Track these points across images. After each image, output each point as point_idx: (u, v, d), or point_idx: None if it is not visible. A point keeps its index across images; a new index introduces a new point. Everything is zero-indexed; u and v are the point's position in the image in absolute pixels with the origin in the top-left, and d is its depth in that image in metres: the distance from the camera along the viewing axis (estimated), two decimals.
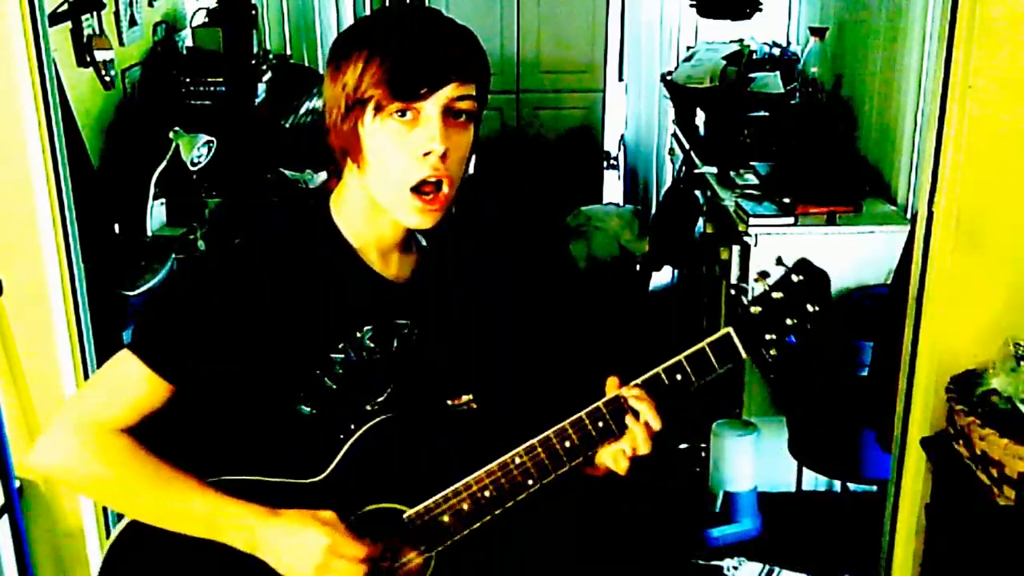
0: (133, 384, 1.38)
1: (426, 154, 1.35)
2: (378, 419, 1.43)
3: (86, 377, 2.13)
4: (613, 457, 1.44)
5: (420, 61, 1.34)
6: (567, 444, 1.42)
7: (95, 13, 3.24)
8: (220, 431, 1.46)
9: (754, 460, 3.19)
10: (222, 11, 4.07)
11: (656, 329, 4.67)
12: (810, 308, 1.45)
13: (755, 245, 3.13)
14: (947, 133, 1.93)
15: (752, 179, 3.50)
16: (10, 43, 1.89)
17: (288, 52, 4.91)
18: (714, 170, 3.69)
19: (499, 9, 6.06)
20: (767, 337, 1.47)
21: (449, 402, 1.50)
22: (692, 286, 4.30)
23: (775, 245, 3.13)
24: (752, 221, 3.13)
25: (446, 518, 1.41)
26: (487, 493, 1.40)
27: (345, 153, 1.42)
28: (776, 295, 1.45)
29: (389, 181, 1.38)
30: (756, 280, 1.45)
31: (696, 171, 3.87)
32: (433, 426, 1.48)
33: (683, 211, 4.21)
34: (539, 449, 1.41)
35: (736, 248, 3.19)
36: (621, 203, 5.92)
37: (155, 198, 3.29)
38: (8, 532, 2.10)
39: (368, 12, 5.56)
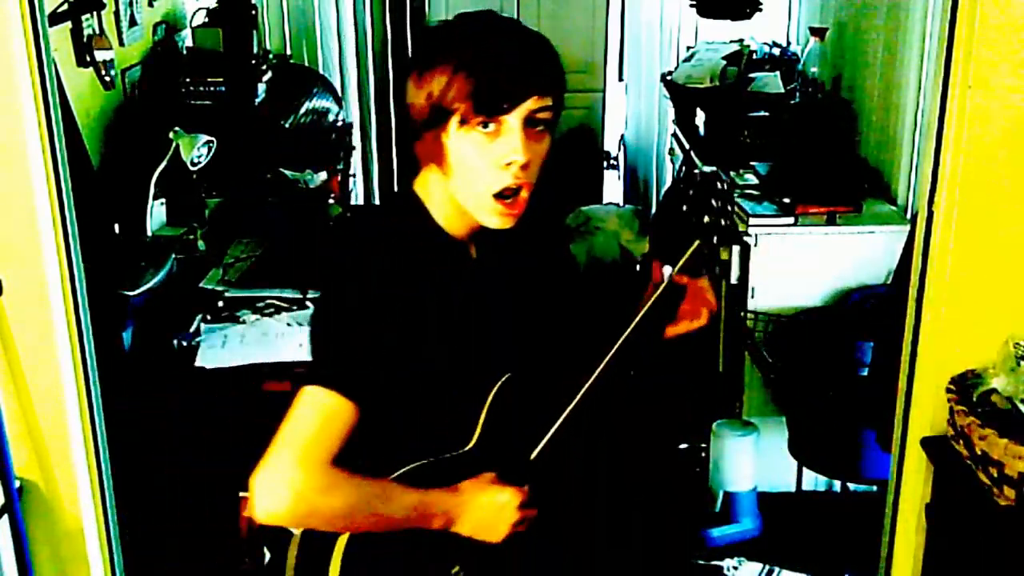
0: (333, 415, 1.43)
1: (508, 164, 1.46)
2: (500, 382, 1.58)
3: (86, 377, 2.13)
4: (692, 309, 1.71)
5: (505, 77, 1.44)
6: (636, 338, 1.64)
7: (95, 13, 3.25)
8: (374, 428, 1.52)
9: (754, 460, 3.19)
10: (222, 11, 4.07)
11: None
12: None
13: (755, 245, 3.13)
14: (947, 133, 1.93)
15: (752, 179, 3.50)
16: (10, 43, 1.89)
17: (288, 52, 4.91)
18: (714, 170, 3.69)
19: (499, 9, 6.03)
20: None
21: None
22: None
23: (775, 245, 3.13)
24: (752, 221, 3.13)
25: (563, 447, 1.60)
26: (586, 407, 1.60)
27: (429, 158, 1.52)
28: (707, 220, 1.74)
29: (473, 187, 1.50)
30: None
31: (696, 171, 3.87)
32: (523, 376, 1.63)
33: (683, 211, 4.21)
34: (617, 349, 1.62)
35: (736, 248, 3.19)
36: (621, 203, 5.91)
37: (155, 198, 3.29)
38: (8, 532, 2.10)
39: (368, 13, 5.56)
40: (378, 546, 1.54)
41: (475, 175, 1.48)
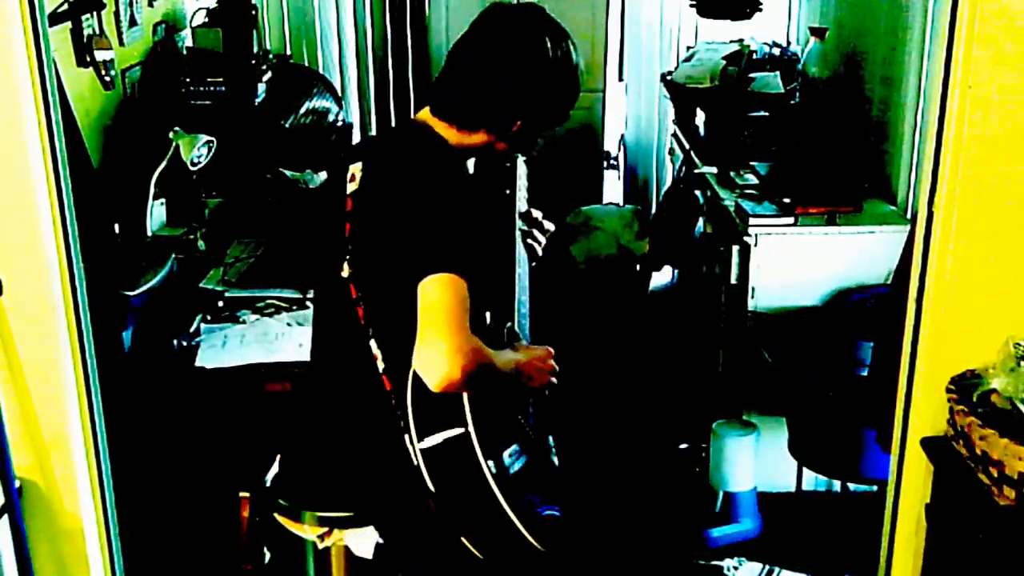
0: (463, 293, 1.73)
1: None
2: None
3: (86, 377, 2.13)
4: None
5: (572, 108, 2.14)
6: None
7: (95, 13, 3.24)
8: None
9: (754, 460, 3.19)
10: (222, 11, 4.07)
11: (656, 329, 4.67)
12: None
13: (755, 245, 3.13)
14: (947, 133, 1.93)
15: (752, 179, 3.50)
16: (10, 43, 1.89)
17: (288, 52, 4.91)
18: (714, 170, 3.69)
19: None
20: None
21: None
22: (692, 286, 4.30)
23: (775, 245, 3.14)
24: (752, 221, 3.14)
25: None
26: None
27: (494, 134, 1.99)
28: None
29: (495, 155, 2.05)
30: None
31: (696, 171, 3.87)
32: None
33: (683, 211, 4.21)
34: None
35: (736, 248, 3.19)
36: (621, 203, 5.91)
37: (155, 198, 3.29)
38: (8, 532, 2.10)
39: (368, 13, 5.55)
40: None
41: (507, 150, 2.04)
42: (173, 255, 3.22)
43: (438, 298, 1.71)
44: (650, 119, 5.63)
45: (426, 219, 1.80)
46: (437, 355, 1.68)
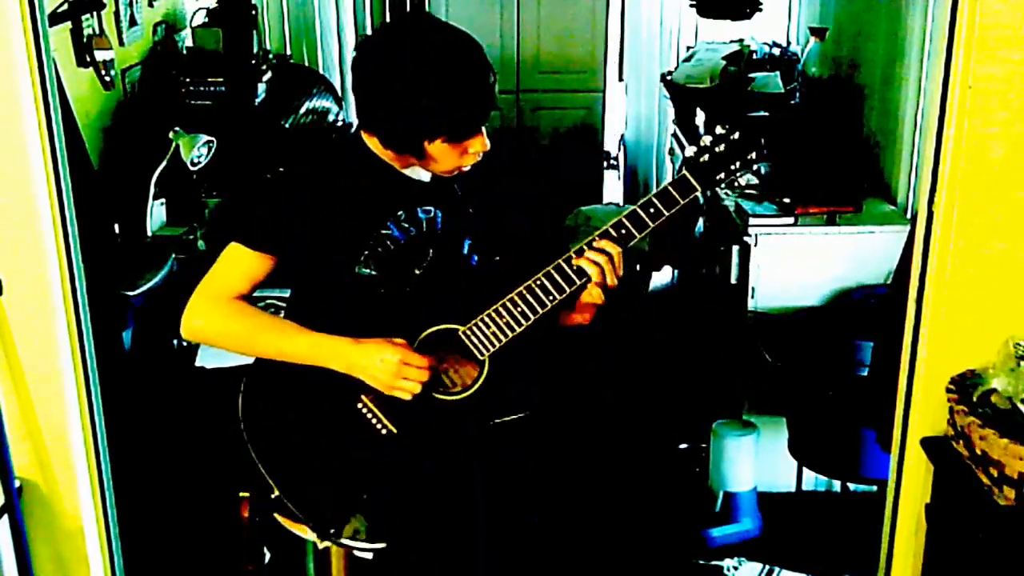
0: (242, 263, 1.89)
1: (478, 155, 1.89)
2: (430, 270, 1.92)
3: (86, 377, 2.14)
4: (589, 292, 1.94)
5: (484, 107, 1.83)
6: (572, 266, 1.93)
7: (95, 13, 3.25)
8: (314, 289, 1.99)
9: (754, 460, 3.19)
10: (222, 11, 4.07)
11: (656, 329, 4.67)
12: (750, 156, 1.92)
13: (755, 245, 3.13)
14: (947, 133, 1.93)
15: (752, 179, 3.50)
16: (10, 43, 1.89)
17: (288, 52, 4.92)
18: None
19: (499, 9, 6.05)
20: (718, 177, 1.93)
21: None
22: (692, 286, 4.30)
23: (775, 245, 3.14)
24: (752, 221, 3.13)
25: (493, 329, 1.89)
26: (519, 309, 1.89)
27: (404, 149, 1.88)
28: (719, 148, 1.92)
29: (443, 168, 1.90)
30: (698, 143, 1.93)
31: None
32: (472, 275, 1.99)
33: (683, 211, 4.21)
34: (552, 271, 1.91)
35: (736, 248, 3.19)
36: (621, 203, 5.91)
37: (155, 198, 3.29)
38: (8, 532, 2.10)
39: (368, 13, 5.55)
40: (278, 377, 1.95)
41: (449, 163, 1.88)
42: (173, 255, 3.22)
43: (218, 260, 1.91)
44: (650, 119, 5.63)
45: (256, 195, 1.98)
46: (189, 303, 1.92)
